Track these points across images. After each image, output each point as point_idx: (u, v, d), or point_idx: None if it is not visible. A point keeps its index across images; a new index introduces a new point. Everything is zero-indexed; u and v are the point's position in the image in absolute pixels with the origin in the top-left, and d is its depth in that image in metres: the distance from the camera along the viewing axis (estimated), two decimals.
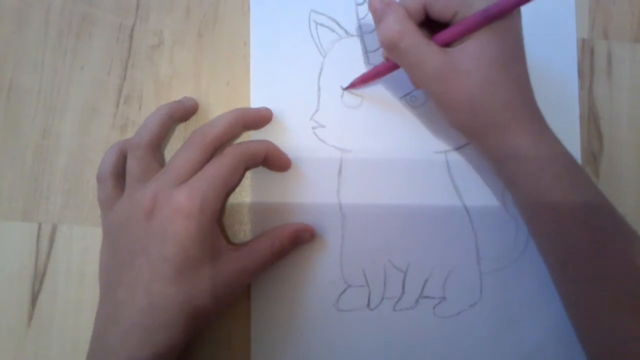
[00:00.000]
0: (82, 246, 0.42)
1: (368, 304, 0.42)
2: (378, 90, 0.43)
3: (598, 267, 0.34)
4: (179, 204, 0.35)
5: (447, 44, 0.36)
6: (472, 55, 0.35)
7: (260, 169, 0.41)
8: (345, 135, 0.42)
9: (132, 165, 0.39)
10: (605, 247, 0.34)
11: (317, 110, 0.43)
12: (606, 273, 0.34)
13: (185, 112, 0.43)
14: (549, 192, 0.35)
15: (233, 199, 0.42)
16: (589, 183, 0.36)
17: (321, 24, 0.43)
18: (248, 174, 0.42)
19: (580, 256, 0.35)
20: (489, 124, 0.35)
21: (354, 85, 0.42)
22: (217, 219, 0.37)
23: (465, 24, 0.34)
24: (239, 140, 0.42)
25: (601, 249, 0.34)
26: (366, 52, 0.43)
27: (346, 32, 0.44)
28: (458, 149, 0.43)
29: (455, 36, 0.35)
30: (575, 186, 0.35)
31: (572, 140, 0.43)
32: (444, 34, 0.36)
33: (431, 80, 0.36)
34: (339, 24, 0.44)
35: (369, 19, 0.43)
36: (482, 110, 0.35)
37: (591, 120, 0.44)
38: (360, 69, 0.43)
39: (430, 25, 0.37)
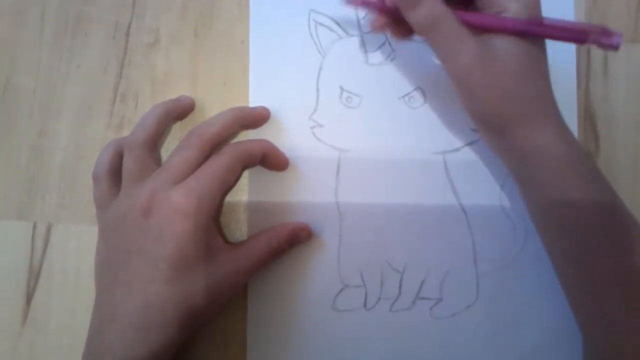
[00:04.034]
0: (77, 245, 0.42)
1: (365, 305, 0.42)
2: (377, 90, 0.43)
3: (614, 266, 0.34)
4: (175, 204, 0.35)
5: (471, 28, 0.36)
6: (504, 47, 0.35)
7: (258, 168, 0.41)
8: (343, 135, 0.42)
9: (128, 164, 0.39)
10: (622, 246, 0.35)
11: (315, 110, 0.43)
12: (622, 273, 0.34)
13: (181, 110, 0.43)
14: (572, 189, 0.35)
15: (230, 197, 0.42)
16: (606, 182, 0.36)
17: (321, 24, 0.43)
18: (245, 173, 0.42)
19: (597, 255, 0.35)
20: (517, 116, 0.35)
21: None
22: (214, 218, 0.37)
23: (502, 25, 0.35)
24: (236, 140, 0.42)
25: (619, 248, 0.34)
26: (366, 52, 0.43)
27: (346, 32, 0.43)
28: (456, 150, 0.43)
29: (485, 27, 0.35)
30: (596, 185, 0.35)
31: None
32: (474, 19, 0.35)
33: (466, 67, 0.35)
34: (338, 24, 0.43)
35: (369, 19, 0.43)
36: (512, 101, 0.35)
37: (587, 120, 0.44)
38: (360, 68, 0.43)
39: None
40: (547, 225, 0.38)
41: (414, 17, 0.36)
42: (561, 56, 0.40)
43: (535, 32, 0.35)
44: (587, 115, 0.44)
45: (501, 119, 0.36)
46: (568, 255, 0.36)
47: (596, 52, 0.45)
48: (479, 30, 0.35)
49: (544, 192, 0.36)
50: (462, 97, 0.37)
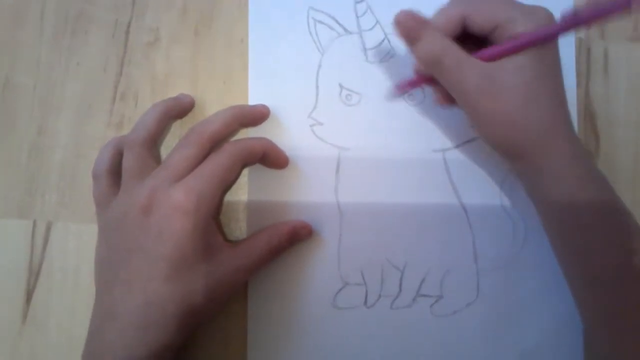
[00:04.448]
0: (77, 243, 0.42)
1: (365, 302, 0.42)
2: (376, 88, 0.43)
3: (615, 266, 0.34)
4: (175, 202, 0.34)
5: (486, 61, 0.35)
6: (512, 72, 0.34)
7: (258, 166, 0.41)
8: (343, 133, 0.42)
9: (128, 162, 0.39)
10: (622, 245, 0.34)
11: (315, 108, 0.43)
12: (623, 272, 0.34)
13: (181, 109, 0.43)
14: (572, 189, 0.35)
15: (230, 196, 0.42)
16: (606, 181, 0.36)
17: (320, 22, 0.43)
18: (245, 172, 0.42)
19: (597, 255, 0.35)
20: (529, 140, 0.35)
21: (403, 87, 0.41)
22: (213, 217, 0.37)
23: (513, 46, 0.34)
24: (236, 138, 0.42)
25: (619, 248, 0.34)
26: (365, 49, 0.43)
27: (345, 29, 0.43)
28: (456, 147, 0.43)
29: (498, 55, 0.35)
30: (596, 185, 0.35)
31: None
32: (487, 52, 0.35)
33: (473, 95, 0.35)
34: (337, 22, 0.43)
35: (368, 16, 0.43)
36: (522, 126, 0.35)
37: (587, 119, 0.44)
38: (359, 66, 0.43)
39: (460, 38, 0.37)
40: (550, 224, 0.38)
41: (416, 51, 0.36)
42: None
43: (541, 36, 0.34)
44: (587, 114, 0.44)
45: (511, 144, 0.36)
46: (570, 255, 0.37)
47: (597, 51, 0.45)
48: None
49: (545, 191, 0.36)
50: (472, 124, 0.37)
